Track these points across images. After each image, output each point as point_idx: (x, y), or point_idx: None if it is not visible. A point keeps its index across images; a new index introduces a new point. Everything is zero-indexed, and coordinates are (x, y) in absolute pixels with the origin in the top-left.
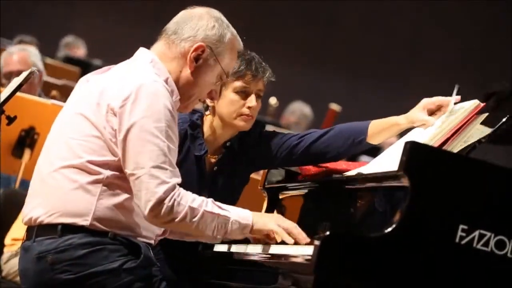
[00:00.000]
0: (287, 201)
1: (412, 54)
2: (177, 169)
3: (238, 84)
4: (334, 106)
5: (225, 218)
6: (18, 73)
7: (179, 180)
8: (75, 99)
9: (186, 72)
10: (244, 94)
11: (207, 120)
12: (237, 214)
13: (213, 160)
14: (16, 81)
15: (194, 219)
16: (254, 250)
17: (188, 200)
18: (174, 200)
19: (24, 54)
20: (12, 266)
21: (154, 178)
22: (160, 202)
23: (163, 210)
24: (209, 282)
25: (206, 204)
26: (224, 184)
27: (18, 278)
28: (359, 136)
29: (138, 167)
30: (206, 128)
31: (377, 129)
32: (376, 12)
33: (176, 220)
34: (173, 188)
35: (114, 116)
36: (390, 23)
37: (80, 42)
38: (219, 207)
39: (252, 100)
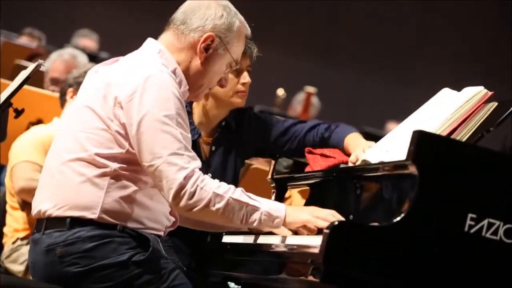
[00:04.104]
0: (294, 191)
1: (418, 44)
2: (194, 153)
3: None
4: None
5: (254, 208)
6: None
7: (198, 163)
8: (83, 92)
9: (196, 62)
10: (236, 71)
11: (199, 104)
12: (268, 205)
13: (209, 141)
14: (23, 74)
15: (218, 206)
16: (263, 241)
17: (213, 186)
18: (197, 186)
19: (73, 63)
20: (14, 258)
21: (172, 165)
22: (182, 188)
23: (186, 196)
24: (217, 272)
25: (233, 192)
26: (222, 163)
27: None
28: (340, 145)
29: (155, 157)
30: (198, 113)
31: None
32: (382, 2)
33: (200, 206)
34: (193, 173)
35: (121, 109)
36: (397, 14)
37: (94, 35)
38: (249, 196)
39: (246, 77)
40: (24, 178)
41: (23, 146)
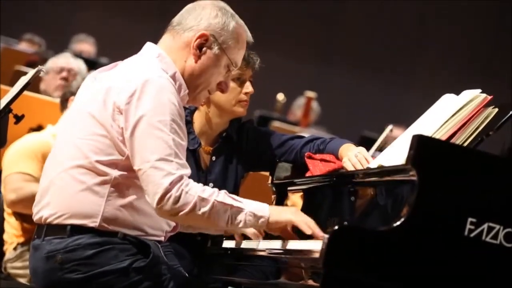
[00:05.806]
0: (296, 196)
1: (418, 46)
2: (184, 162)
3: (235, 72)
4: None
5: (239, 209)
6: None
7: (187, 171)
8: (82, 97)
9: (191, 62)
10: (239, 81)
11: (201, 112)
12: (252, 206)
13: (209, 151)
14: (23, 80)
15: (204, 209)
16: (263, 246)
17: (198, 190)
18: (182, 190)
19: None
20: (19, 264)
21: (159, 170)
22: (166, 193)
23: (170, 201)
24: (218, 277)
25: (217, 195)
26: (222, 173)
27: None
28: (335, 154)
29: (143, 161)
30: (200, 121)
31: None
32: (381, 5)
33: (185, 211)
34: (180, 179)
35: (120, 114)
36: (396, 17)
37: (91, 39)
38: (233, 198)
39: (248, 86)
40: (13, 190)
41: (13, 156)
